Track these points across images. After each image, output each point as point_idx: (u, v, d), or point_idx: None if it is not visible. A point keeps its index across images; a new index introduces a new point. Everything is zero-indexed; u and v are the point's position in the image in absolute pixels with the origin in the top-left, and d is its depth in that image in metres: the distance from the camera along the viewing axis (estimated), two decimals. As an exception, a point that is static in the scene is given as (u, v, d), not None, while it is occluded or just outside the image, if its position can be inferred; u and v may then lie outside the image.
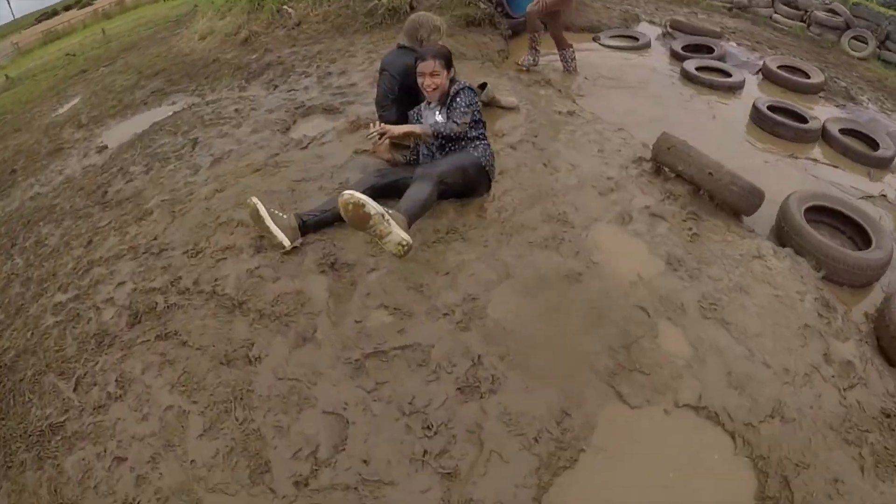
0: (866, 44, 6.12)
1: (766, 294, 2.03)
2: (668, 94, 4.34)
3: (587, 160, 2.80)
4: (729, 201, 2.45)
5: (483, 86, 3.20)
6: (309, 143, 3.07)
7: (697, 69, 4.68)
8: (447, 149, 2.36)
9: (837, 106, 4.67)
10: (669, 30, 5.87)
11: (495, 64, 4.22)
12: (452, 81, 2.34)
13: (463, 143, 2.33)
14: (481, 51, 4.44)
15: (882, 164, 3.70)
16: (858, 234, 2.70)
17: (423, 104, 2.46)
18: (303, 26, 5.01)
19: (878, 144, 3.86)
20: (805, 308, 2.01)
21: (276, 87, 4.18)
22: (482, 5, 4.97)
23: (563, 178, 2.61)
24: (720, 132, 3.76)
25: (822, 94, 4.78)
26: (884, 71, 5.86)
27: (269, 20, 5.42)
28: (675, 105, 4.13)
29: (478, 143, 2.35)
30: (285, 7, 5.34)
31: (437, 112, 2.38)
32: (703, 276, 2.05)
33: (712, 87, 4.47)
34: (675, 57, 5.17)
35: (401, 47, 2.75)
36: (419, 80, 2.31)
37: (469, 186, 2.34)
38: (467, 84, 2.35)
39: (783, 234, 2.58)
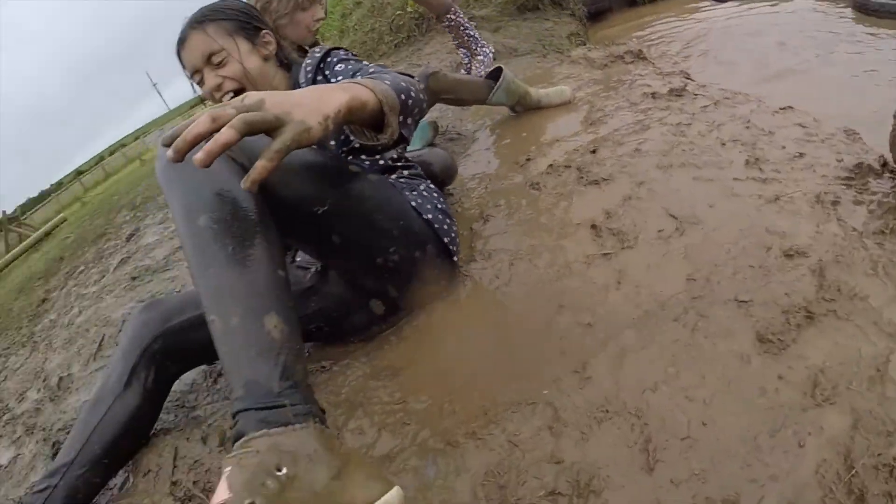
0: None
1: None
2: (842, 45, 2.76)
3: (739, 199, 0.98)
4: None
5: (496, 73, 1.68)
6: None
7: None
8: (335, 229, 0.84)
9: None
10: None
11: (564, 54, 2.74)
12: (273, 56, 1.06)
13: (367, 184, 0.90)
14: (541, 40, 3.20)
15: None
16: None
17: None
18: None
19: None
20: None
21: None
22: None
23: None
24: None
25: None
26: None
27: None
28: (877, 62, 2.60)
29: (408, 182, 1.04)
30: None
31: None
32: None
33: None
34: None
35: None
36: (203, 90, 1.05)
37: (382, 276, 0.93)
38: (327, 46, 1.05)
39: None
